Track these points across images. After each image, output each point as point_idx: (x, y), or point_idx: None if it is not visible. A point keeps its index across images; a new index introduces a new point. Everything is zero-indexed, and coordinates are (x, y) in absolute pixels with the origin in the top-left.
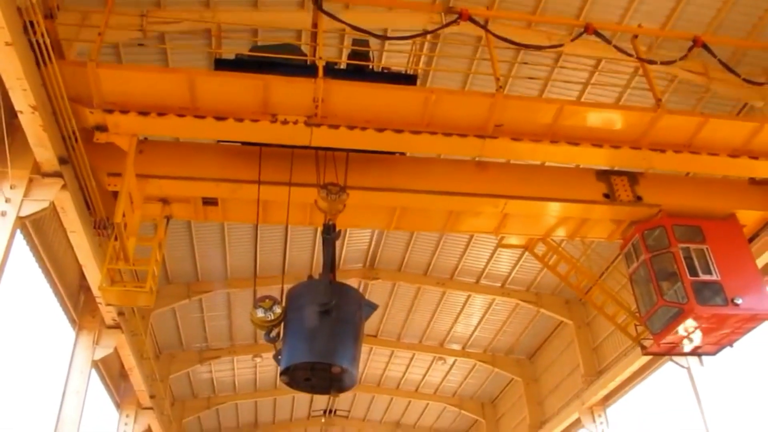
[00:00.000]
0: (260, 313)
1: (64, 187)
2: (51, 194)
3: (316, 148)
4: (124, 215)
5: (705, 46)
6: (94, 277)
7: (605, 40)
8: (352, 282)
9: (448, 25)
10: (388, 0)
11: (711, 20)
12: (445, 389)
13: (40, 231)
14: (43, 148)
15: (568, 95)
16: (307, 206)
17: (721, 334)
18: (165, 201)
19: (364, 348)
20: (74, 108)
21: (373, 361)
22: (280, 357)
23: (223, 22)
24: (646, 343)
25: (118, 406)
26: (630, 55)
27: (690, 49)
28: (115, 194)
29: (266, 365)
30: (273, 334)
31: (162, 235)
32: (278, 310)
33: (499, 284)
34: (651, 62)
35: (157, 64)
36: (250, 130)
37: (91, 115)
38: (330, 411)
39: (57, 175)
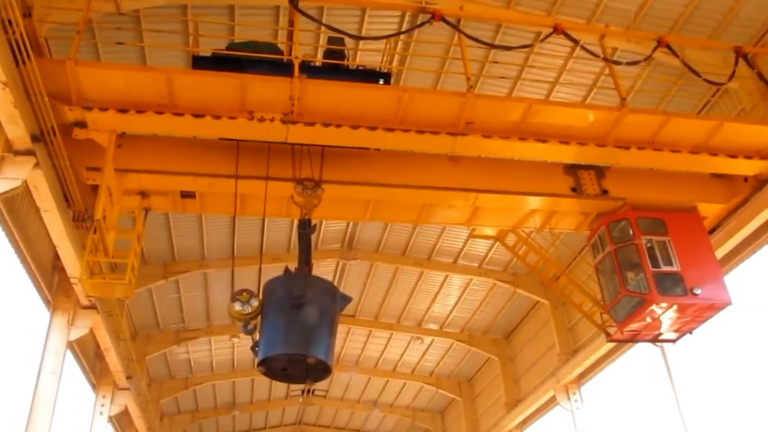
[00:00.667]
0: (238, 307)
1: (36, 165)
2: (23, 172)
3: (293, 144)
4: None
5: (668, 47)
6: (68, 257)
7: (573, 40)
8: (330, 262)
9: (421, 25)
10: (363, 1)
11: (685, 7)
12: (422, 368)
13: (13, 210)
14: (14, 126)
15: (538, 93)
16: (284, 199)
17: (681, 322)
18: (143, 194)
19: (342, 328)
20: (53, 104)
21: (350, 341)
22: (257, 348)
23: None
24: (611, 330)
25: (94, 387)
26: (596, 56)
27: (654, 49)
28: (93, 186)
29: (244, 345)
30: (250, 326)
31: (141, 227)
32: (255, 303)
33: (477, 264)
34: (616, 63)
35: (136, 56)
36: (228, 127)
37: (70, 111)
38: (308, 391)
39: (29, 153)
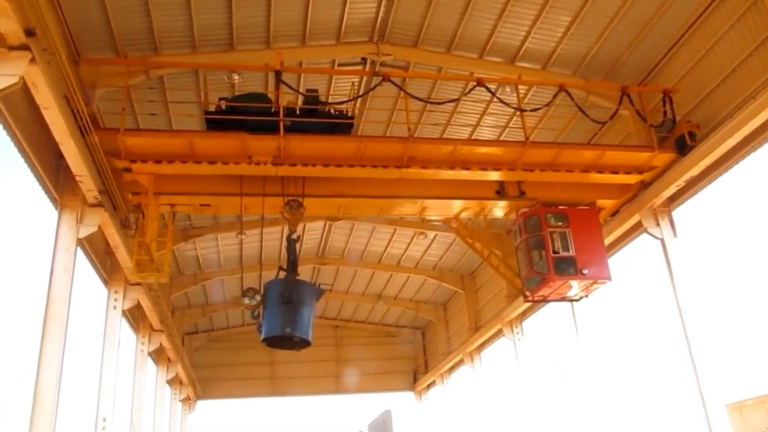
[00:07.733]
0: (246, 300)
1: (32, 60)
2: (19, 69)
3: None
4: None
5: (567, 92)
6: (72, 154)
7: (490, 92)
8: None
9: (374, 88)
10: (330, 70)
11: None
12: (425, 263)
13: (13, 109)
14: (5, 18)
15: (465, 131)
16: (277, 206)
17: (576, 291)
18: (172, 205)
19: (346, 224)
20: (108, 158)
21: (355, 236)
22: (260, 329)
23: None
24: (527, 293)
25: (106, 282)
26: (507, 104)
27: (555, 95)
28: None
29: (250, 242)
30: (255, 313)
31: (172, 230)
32: (258, 297)
33: None
34: (522, 110)
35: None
36: (234, 169)
37: (120, 162)
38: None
39: (24, 48)
